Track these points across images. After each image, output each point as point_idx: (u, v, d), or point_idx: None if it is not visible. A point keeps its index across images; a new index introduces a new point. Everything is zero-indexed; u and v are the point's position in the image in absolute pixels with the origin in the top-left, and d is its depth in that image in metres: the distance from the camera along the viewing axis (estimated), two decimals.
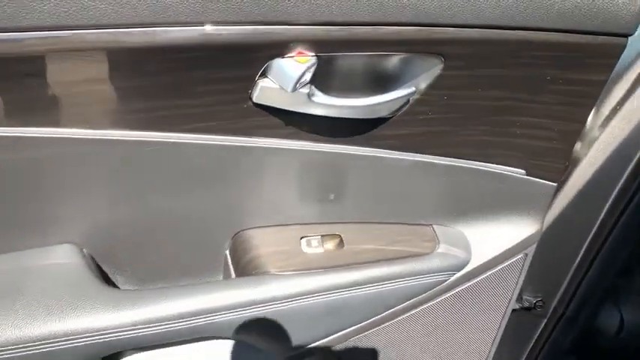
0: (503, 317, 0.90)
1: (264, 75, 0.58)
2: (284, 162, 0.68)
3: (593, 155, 0.84)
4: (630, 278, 1.06)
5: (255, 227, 0.75)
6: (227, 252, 0.77)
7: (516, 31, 0.59)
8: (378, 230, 0.79)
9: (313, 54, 0.57)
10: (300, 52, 0.57)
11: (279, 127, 0.64)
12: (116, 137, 0.58)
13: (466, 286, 0.84)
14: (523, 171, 0.76)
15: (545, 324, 1.01)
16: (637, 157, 0.80)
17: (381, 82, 0.64)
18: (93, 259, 0.70)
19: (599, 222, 0.88)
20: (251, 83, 0.58)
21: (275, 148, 0.65)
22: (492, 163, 0.74)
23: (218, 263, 0.78)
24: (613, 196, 0.85)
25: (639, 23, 0.62)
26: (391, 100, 0.64)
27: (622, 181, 0.84)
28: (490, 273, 0.84)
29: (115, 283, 0.75)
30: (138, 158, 0.60)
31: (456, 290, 0.83)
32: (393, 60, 0.62)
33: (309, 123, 0.65)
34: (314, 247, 0.76)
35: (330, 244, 0.77)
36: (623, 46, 0.64)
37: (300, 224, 0.76)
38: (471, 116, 0.68)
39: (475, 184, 0.76)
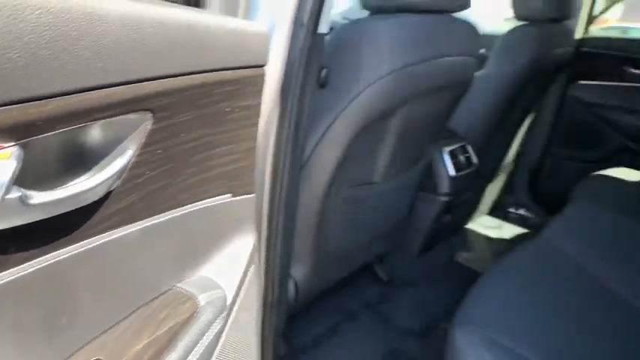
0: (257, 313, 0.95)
1: None
2: None
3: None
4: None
5: None
6: None
7: (192, 76, 0.63)
8: (137, 324, 0.68)
9: (12, 142, 0.45)
10: None
11: None
12: None
13: (236, 309, 0.84)
14: (230, 194, 0.80)
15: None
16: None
17: (92, 157, 0.56)
18: None
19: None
20: None
21: None
22: (206, 198, 0.76)
23: None
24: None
25: (267, 56, 0.76)
26: (106, 176, 0.56)
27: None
28: (243, 290, 0.86)
29: None
30: None
31: (233, 317, 0.82)
32: (98, 128, 0.55)
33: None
34: None
35: None
36: (264, 75, 0.75)
37: None
38: (181, 162, 0.68)
39: (199, 224, 0.76)
